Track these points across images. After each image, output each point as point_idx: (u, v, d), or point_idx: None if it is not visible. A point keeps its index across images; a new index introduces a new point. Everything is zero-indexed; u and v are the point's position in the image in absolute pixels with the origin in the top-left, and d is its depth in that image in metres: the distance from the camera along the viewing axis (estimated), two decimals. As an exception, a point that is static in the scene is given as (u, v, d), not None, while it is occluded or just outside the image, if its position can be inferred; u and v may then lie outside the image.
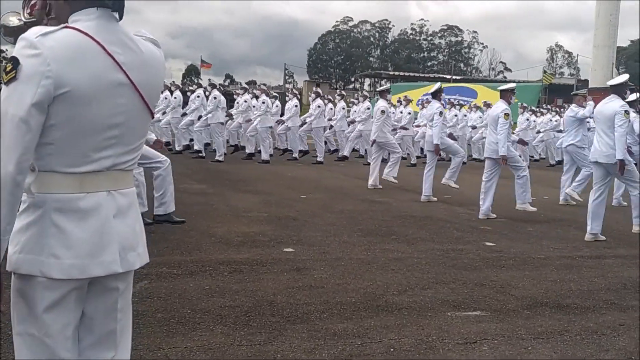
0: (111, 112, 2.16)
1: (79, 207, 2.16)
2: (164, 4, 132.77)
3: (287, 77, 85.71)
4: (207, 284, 5.89)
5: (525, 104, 23.18)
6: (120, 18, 2.24)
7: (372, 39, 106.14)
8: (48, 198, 2.15)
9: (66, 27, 2.14)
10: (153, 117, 2.37)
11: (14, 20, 3.48)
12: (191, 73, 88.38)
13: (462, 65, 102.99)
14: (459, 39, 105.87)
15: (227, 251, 7.18)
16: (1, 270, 2.10)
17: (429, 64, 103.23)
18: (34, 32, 2.07)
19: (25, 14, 3.25)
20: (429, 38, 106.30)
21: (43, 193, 2.15)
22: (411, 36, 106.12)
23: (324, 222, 9.21)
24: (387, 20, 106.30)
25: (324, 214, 9.92)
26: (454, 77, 65.19)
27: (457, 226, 9.33)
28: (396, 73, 75.61)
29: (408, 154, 20.62)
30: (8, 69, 2.07)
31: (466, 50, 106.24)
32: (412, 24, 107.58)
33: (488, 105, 22.34)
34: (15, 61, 2.04)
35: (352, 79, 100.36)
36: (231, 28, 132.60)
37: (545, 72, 52.26)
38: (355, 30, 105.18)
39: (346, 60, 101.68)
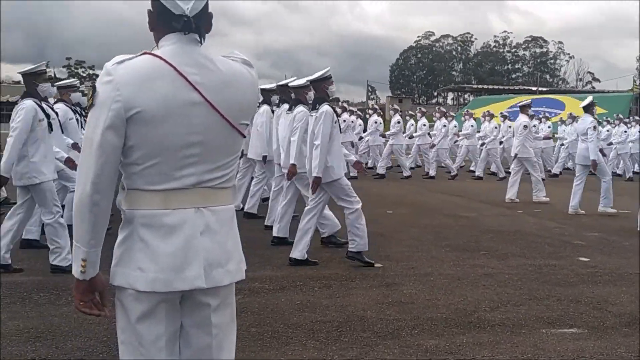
0: (187, 130, 2.23)
1: (163, 222, 2.25)
2: (249, 26, 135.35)
3: (369, 94, 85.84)
4: (298, 298, 5.96)
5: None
6: (202, 40, 2.33)
7: (454, 52, 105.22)
8: (136, 214, 2.26)
9: (144, 53, 2.27)
10: (244, 136, 2.41)
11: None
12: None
13: (547, 76, 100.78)
14: (544, 50, 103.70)
15: (317, 266, 7.24)
16: (97, 278, 2.28)
17: (514, 76, 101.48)
18: (113, 60, 2.23)
19: None
20: (513, 50, 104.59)
21: (132, 209, 2.27)
22: (494, 49, 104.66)
23: (411, 237, 9.18)
24: (469, 33, 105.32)
25: (411, 229, 9.89)
26: (539, 88, 63.87)
27: (549, 241, 9.11)
28: (480, 86, 74.65)
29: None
30: (89, 97, 2.24)
31: (552, 61, 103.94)
32: (495, 36, 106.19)
33: (573, 117, 21.76)
34: (94, 89, 2.21)
35: (435, 94, 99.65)
36: (313, 47, 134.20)
37: (635, 81, 50.49)
38: (437, 44, 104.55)
39: (428, 75, 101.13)
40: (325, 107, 7.17)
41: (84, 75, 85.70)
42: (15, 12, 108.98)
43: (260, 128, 9.87)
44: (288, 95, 9.12)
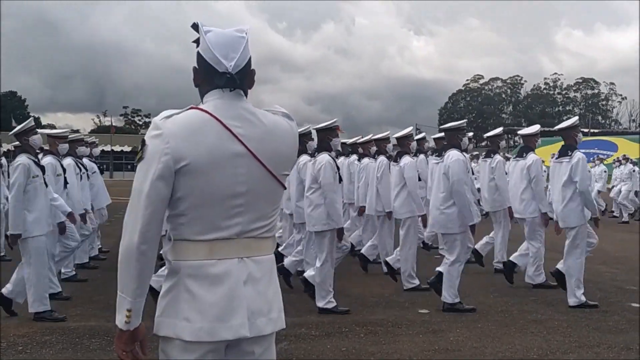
0: (232, 181, 2.32)
1: (209, 272, 2.32)
2: (300, 72, 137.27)
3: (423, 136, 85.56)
4: (343, 345, 5.97)
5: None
6: (246, 95, 2.44)
7: (503, 95, 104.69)
8: (182, 265, 2.34)
9: (191, 107, 2.38)
10: (284, 187, 2.50)
11: None
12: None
13: (599, 118, 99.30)
14: (595, 91, 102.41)
15: (363, 312, 7.25)
16: (140, 328, 2.32)
17: (565, 118, 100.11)
18: (161, 115, 2.34)
19: None
20: (564, 92, 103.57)
21: (178, 260, 2.35)
22: (544, 90, 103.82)
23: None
24: (518, 76, 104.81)
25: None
26: (591, 130, 62.92)
27: (600, 286, 8.92)
28: (543, 128, 73.74)
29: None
30: (138, 150, 2.34)
31: (603, 102, 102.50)
32: (545, 78, 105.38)
33: (627, 159, 21.36)
34: (143, 143, 2.32)
35: (485, 136, 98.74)
36: (363, 91, 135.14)
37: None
38: (486, 87, 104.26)
39: (478, 118, 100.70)
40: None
41: (140, 123, 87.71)
42: (75, 63, 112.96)
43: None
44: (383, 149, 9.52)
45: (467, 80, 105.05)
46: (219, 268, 2.32)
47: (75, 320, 6.82)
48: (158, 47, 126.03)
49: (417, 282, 8.54)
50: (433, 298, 7.89)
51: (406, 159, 8.55)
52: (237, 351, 2.38)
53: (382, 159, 9.24)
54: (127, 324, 2.30)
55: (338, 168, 7.28)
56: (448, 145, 7.50)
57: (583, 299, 7.48)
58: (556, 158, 7.68)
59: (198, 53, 2.43)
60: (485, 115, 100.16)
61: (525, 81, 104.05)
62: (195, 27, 2.44)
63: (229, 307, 2.32)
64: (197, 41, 2.45)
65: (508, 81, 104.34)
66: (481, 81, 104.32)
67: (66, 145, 8.88)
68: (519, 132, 9.47)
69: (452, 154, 7.23)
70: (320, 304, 7.18)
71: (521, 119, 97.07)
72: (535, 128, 9.24)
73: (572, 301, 7.51)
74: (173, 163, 2.25)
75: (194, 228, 2.32)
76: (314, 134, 8.55)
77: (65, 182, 8.21)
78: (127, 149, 65.90)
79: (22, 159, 6.84)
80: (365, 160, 10.03)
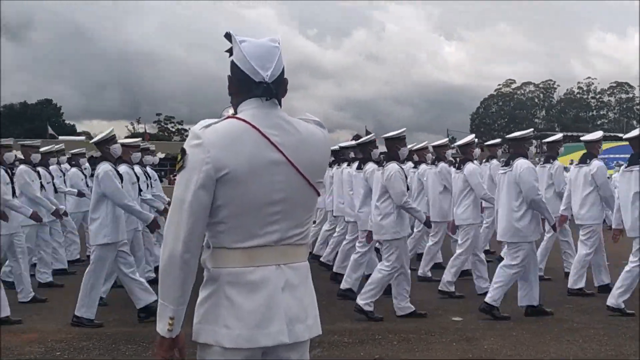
0: (270, 189, 2.36)
1: (248, 280, 2.36)
2: (331, 78, 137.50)
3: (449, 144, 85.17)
4: (376, 352, 5.98)
5: None
6: (280, 104, 2.48)
7: (536, 100, 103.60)
8: (221, 272, 2.37)
9: (229, 117, 2.43)
10: (319, 194, 2.54)
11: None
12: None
13: (634, 122, 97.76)
14: (630, 95, 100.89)
15: (396, 319, 7.24)
16: (180, 335, 2.36)
17: (599, 122, 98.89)
18: (200, 124, 2.38)
19: None
20: (597, 96, 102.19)
21: (217, 268, 2.38)
22: (578, 95, 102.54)
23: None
24: (551, 80, 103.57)
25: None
26: (626, 135, 61.95)
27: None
28: (564, 133, 73.07)
29: None
30: (178, 159, 2.37)
31: (638, 107, 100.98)
32: (578, 82, 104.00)
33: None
34: (183, 152, 2.35)
35: (500, 142, 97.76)
36: (393, 97, 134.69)
37: None
38: (518, 92, 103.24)
39: (510, 123, 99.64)
40: None
41: (173, 130, 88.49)
42: (109, 71, 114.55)
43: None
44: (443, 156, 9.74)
45: (499, 85, 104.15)
46: (257, 275, 2.36)
47: (112, 326, 6.92)
48: (190, 54, 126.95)
49: (453, 288, 8.54)
50: (466, 305, 7.86)
51: (470, 166, 8.60)
52: (274, 357, 2.40)
53: (443, 166, 9.42)
54: (169, 331, 2.34)
55: (406, 177, 7.42)
56: (515, 154, 7.58)
57: (622, 305, 7.39)
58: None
59: (233, 62, 2.46)
60: (517, 120, 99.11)
61: (558, 85, 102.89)
62: (228, 36, 2.47)
63: (268, 313, 2.35)
64: (230, 51, 2.49)
65: (541, 86, 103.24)
66: (513, 86, 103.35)
67: (139, 154, 9.08)
68: (582, 138, 9.45)
69: (521, 163, 7.32)
70: (361, 301, 7.24)
71: (554, 124, 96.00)
72: (599, 134, 9.29)
73: (610, 302, 7.47)
74: (214, 172, 2.29)
75: (233, 236, 2.35)
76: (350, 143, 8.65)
77: (140, 190, 8.41)
78: (160, 155, 66.45)
79: (105, 166, 6.97)
80: (423, 167, 10.00)
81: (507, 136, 8.09)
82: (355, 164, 9.25)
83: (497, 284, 7.29)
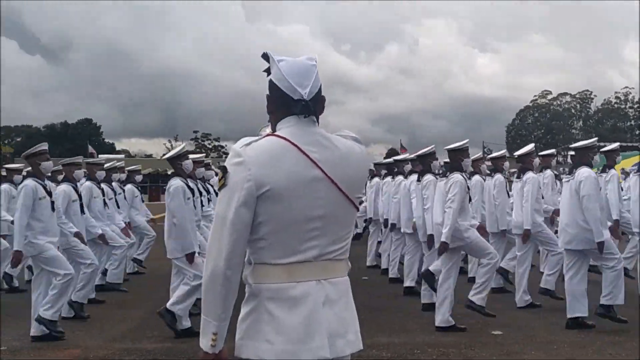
0: (311, 205, 2.39)
1: (289, 295, 2.38)
2: (364, 93, 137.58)
3: (485, 155, 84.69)
4: (416, 367, 5.95)
5: None
6: (317, 121, 2.51)
7: (573, 110, 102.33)
8: (262, 288, 2.41)
9: (268, 135, 2.47)
10: (357, 209, 2.56)
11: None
12: (391, 156, 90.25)
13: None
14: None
15: (435, 333, 7.20)
16: (224, 350, 2.40)
17: (638, 132, 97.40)
18: (240, 142, 2.43)
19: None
20: (636, 106, 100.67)
21: (258, 284, 2.42)
22: (615, 105, 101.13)
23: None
24: (588, 90, 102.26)
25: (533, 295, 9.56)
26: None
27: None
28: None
29: None
30: (220, 177, 2.41)
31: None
32: (615, 92, 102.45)
33: None
34: (224, 170, 2.39)
35: (555, 153, 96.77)
36: (427, 111, 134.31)
37: None
38: (554, 103, 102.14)
39: (547, 134, 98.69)
40: None
41: (210, 147, 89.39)
42: (146, 90, 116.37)
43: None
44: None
45: (535, 96, 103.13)
46: (298, 290, 2.38)
47: (152, 342, 6.99)
48: (225, 72, 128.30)
49: (529, 298, 8.61)
50: (506, 319, 7.77)
51: (529, 175, 8.71)
52: None
53: (498, 176, 9.60)
54: (212, 347, 2.38)
55: (469, 188, 7.52)
56: (578, 163, 7.62)
57: None
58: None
59: (271, 81, 2.50)
60: (554, 131, 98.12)
61: (595, 96, 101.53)
62: (265, 57, 2.52)
63: (309, 329, 2.37)
64: (267, 70, 2.53)
65: (577, 96, 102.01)
66: (549, 97, 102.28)
67: (202, 169, 9.44)
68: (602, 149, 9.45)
69: (584, 172, 7.39)
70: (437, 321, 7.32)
71: (592, 134, 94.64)
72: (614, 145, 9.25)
73: None
74: (255, 189, 2.33)
75: (274, 252, 2.39)
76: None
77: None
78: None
79: (176, 182, 7.13)
80: (476, 177, 9.91)
81: (572, 145, 8.11)
82: (413, 176, 9.41)
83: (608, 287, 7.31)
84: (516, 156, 9.48)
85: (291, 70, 2.46)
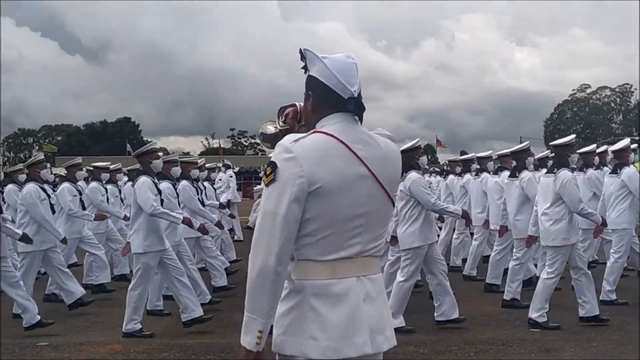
0: (356, 202, 2.40)
1: (332, 292, 2.39)
2: (402, 90, 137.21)
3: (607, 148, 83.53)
4: (453, 363, 5.93)
5: None
6: (361, 121, 2.51)
7: (612, 104, 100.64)
8: (306, 284, 2.41)
9: (315, 131, 2.46)
10: (394, 206, 2.58)
11: (270, 129, 3.92)
12: (427, 152, 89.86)
13: None
14: None
15: (473, 330, 7.17)
16: (265, 348, 2.37)
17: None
18: (288, 138, 2.41)
19: (280, 122, 3.69)
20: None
21: (301, 280, 2.42)
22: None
23: (571, 299, 8.79)
24: (628, 84, 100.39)
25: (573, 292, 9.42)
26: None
27: None
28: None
29: None
30: (268, 172, 2.38)
31: None
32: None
33: None
34: (273, 165, 2.37)
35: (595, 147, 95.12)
36: (465, 107, 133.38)
37: None
38: (593, 97, 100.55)
39: (586, 128, 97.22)
40: None
41: (246, 144, 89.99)
42: (185, 90, 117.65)
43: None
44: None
45: (574, 90, 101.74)
46: (340, 287, 2.39)
47: (191, 338, 7.07)
48: (262, 71, 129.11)
49: (614, 296, 8.46)
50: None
51: (628, 170, 8.48)
52: None
53: (592, 172, 9.61)
54: (257, 345, 2.33)
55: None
56: (620, 163, 7.73)
57: None
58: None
59: (314, 78, 2.49)
60: (593, 125, 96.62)
61: (635, 89, 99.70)
62: (301, 54, 2.52)
63: (352, 325, 2.37)
64: (305, 67, 2.54)
65: (617, 90, 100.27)
66: (588, 90, 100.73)
67: (197, 171, 10.20)
68: (611, 148, 9.27)
69: (627, 171, 7.61)
70: (534, 315, 7.23)
71: (632, 128, 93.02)
72: (625, 142, 8.99)
73: None
74: (307, 185, 2.32)
75: (319, 249, 2.39)
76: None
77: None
78: (236, 169, 67.64)
79: (144, 178, 7.27)
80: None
81: (553, 142, 7.94)
82: (504, 173, 9.38)
83: None
84: (613, 152, 9.16)
85: (338, 68, 2.45)
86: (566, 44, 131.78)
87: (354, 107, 2.44)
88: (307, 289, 2.40)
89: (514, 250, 8.68)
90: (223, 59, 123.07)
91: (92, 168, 11.23)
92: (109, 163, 11.57)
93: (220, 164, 19.67)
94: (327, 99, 2.47)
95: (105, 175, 10.74)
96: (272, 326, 2.42)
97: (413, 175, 7.16)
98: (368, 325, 2.40)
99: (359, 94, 2.47)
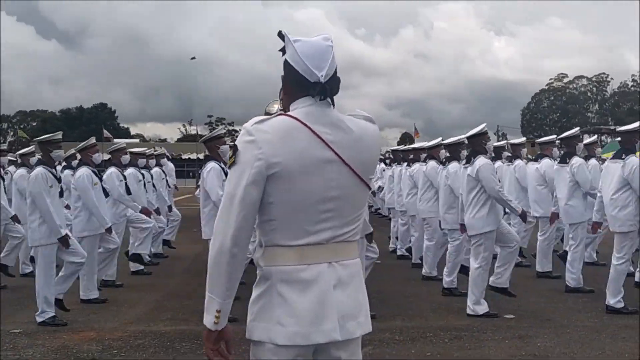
0: (323, 186, 2.37)
1: (301, 277, 2.38)
2: (381, 77, 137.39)
3: (499, 139, 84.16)
4: (428, 350, 5.97)
5: None
6: (333, 104, 2.48)
7: (589, 94, 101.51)
8: (273, 270, 2.39)
9: (280, 114, 2.44)
10: (370, 190, 2.55)
11: (275, 108, 3.93)
12: (405, 141, 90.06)
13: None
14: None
15: (447, 317, 7.22)
16: (227, 328, 2.41)
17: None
18: (252, 121, 2.40)
19: (280, 103, 3.70)
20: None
21: (269, 266, 2.40)
22: (632, 88, 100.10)
23: (546, 287, 8.91)
24: (604, 74, 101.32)
25: (546, 279, 9.54)
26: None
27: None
28: (618, 127, 71.30)
29: None
30: (230, 155, 2.40)
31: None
32: (632, 75, 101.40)
33: None
34: (235, 148, 2.38)
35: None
36: (443, 95, 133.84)
37: None
38: (570, 86, 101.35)
39: (562, 117, 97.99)
40: None
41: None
42: (163, 75, 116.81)
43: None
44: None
45: (551, 79, 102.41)
46: (309, 273, 2.38)
47: (166, 325, 7.05)
48: (243, 57, 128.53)
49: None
50: (518, 303, 7.75)
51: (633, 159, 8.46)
52: (325, 356, 2.42)
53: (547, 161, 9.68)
54: (215, 324, 2.37)
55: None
56: (626, 149, 7.55)
57: None
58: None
59: (286, 62, 2.47)
60: (570, 114, 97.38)
61: (612, 79, 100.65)
62: (281, 35, 2.49)
63: (321, 311, 2.37)
64: (283, 50, 2.50)
65: (593, 79, 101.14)
66: (565, 80, 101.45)
67: (144, 160, 10.78)
68: (618, 129, 9.22)
69: (631, 160, 7.30)
70: (611, 301, 7.28)
71: (607, 118, 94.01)
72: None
73: None
74: (265, 168, 2.31)
75: (285, 234, 2.38)
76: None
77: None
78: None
79: (212, 164, 7.36)
80: (593, 161, 9.64)
81: (620, 128, 7.94)
82: (545, 160, 9.66)
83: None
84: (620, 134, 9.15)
85: (307, 52, 2.43)
86: (544, 33, 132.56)
87: (318, 91, 2.40)
88: (275, 275, 2.38)
89: (570, 235, 8.74)
90: (202, 45, 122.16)
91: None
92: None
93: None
94: (296, 83, 2.45)
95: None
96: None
97: (481, 160, 7.24)
98: (338, 311, 2.39)
99: (331, 78, 2.44)
